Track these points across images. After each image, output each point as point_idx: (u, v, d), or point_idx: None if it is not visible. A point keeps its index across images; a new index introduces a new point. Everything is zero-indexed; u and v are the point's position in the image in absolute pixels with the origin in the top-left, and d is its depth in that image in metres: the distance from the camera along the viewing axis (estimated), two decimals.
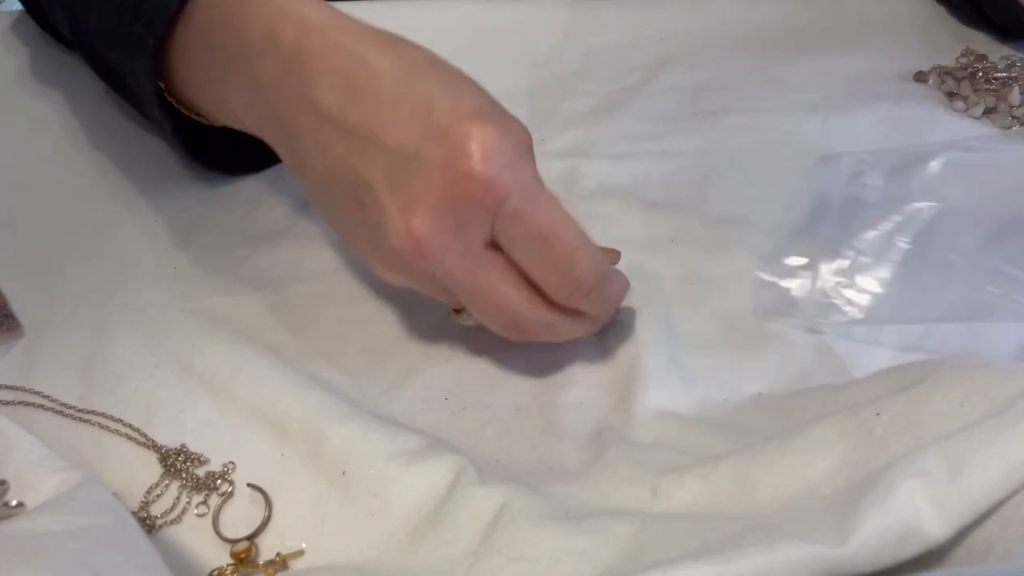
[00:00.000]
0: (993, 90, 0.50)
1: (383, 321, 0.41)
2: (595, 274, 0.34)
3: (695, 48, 0.56)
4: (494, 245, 0.34)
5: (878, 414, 0.31)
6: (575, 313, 0.36)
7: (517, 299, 0.34)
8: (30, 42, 0.56)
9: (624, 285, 0.38)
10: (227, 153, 0.47)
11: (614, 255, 0.39)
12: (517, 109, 0.35)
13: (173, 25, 0.39)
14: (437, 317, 0.41)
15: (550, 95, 0.53)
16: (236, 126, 0.41)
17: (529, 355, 0.40)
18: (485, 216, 0.32)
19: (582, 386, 0.39)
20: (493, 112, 0.33)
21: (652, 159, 0.49)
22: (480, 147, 0.31)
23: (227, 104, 0.40)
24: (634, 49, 0.55)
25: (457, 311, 0.39)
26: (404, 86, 0.33)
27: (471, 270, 0.33)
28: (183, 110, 0.43)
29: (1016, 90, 0.49)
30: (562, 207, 0.33)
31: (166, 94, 0.42)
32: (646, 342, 0.40)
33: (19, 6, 0.57)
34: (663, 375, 0.38)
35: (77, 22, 0.46)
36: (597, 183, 0.47)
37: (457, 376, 0.39)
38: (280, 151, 0.38)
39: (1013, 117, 0.49)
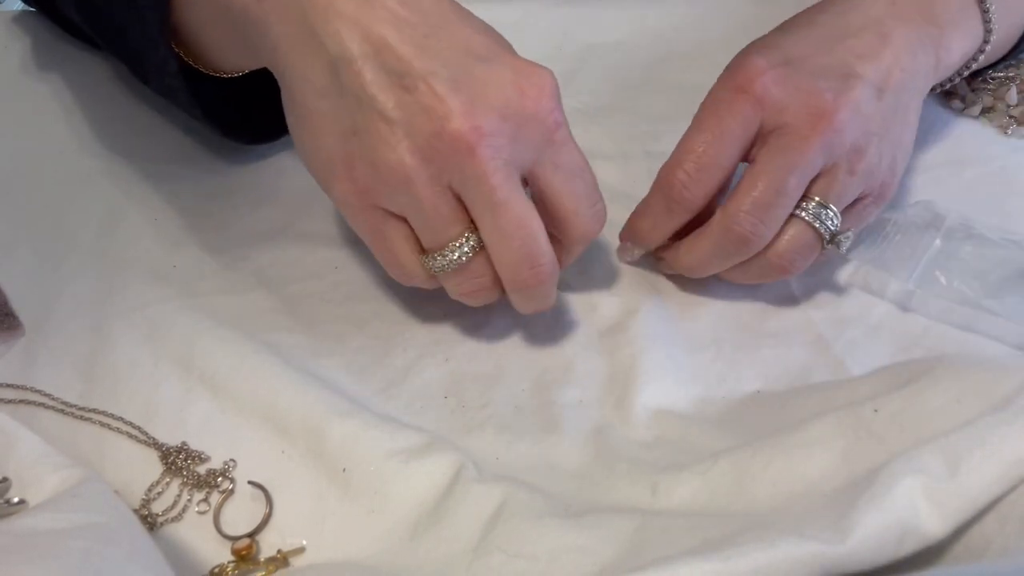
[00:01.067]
0: (990, 90, 0.50)
1: (383, 320, 0.42)
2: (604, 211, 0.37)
3: (695, 47, 0.56)
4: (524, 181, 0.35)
5: (876, 411, 0.32)
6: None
7: (540, 228, 0.35)
8: (29, 41, 0.56)
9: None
10: (239, 115, 0.46)
11: None
12: None
13: None
14: (437, 316, 0.42)
15: None
16: (241, 62, 0.41)
17: (529, 353, 0.40)
18: (540, 139, 0.34)
19: (581, 384, 0.39)
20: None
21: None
22: (548, 80, 0.34)
23: (232, 35, 0.38)
24: (634, 48, 0.55)
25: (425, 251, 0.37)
26: (461, 11, 0.35)
27: (508, 182, 0.33)
28: (191, 63, 0.42)
29: (1013, 90, 0.49)
30: None
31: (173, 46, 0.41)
32: (645, 340, 0.40)
33: (19, 6, 0.57)
34: (662, 373, 0.39)
35: None
36: (597, 182, 0.48)
37: (457, 374, 0.39)
38: (279, 60, 0.36)
39: (1010, 117, 0.49)
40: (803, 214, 0.38)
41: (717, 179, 0.39)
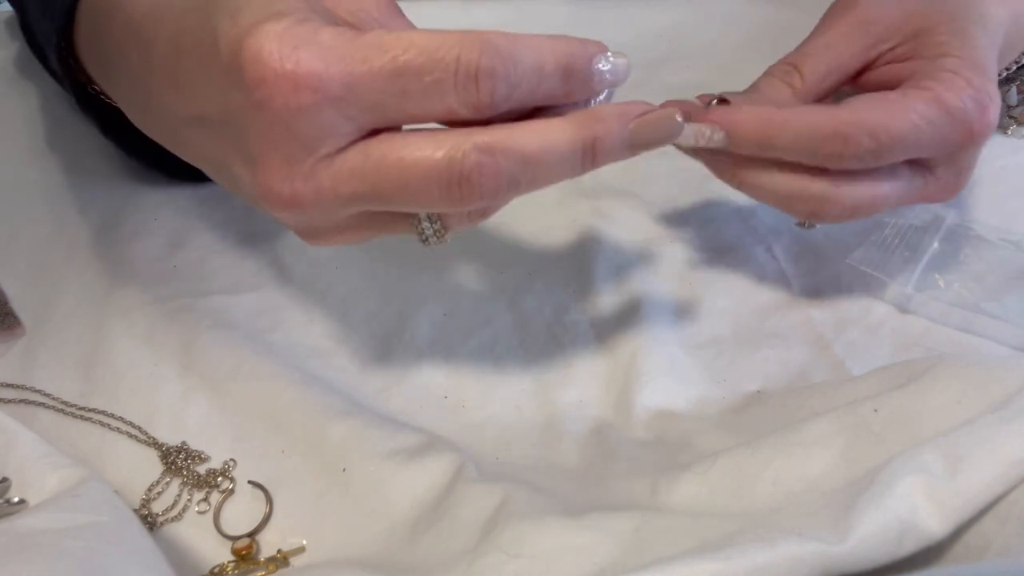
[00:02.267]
0: None
1: (383, 319, 0.42)
2: (475, 48, 0.27)
3: (694, 46, 0.56)
4: (372, 129, 0.28)
5: (876, 411, 0.32)
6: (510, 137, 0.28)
7: (432, 146, 0.28)
8: (25, 40, 0.56)
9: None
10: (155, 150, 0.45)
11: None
12: None
13: (73, 14, 0.38)
14: (437, 316, 0.42)
15: None
16: (145, 132, 0.37)
17: (529, 354, 0.40)
18: (329, 113, 0.27)
19: (581, 384, 0.39)
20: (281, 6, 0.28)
21: (652, 158, 0.49)
22: (258, 51, 0.26)
23: (129, 110, 0.37)
24: (633, 47, 0.55)
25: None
26: (197, 42, 0.29)
27: (370, 167, 0.28)
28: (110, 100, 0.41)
29: (1014, 90, 0.49)
30: (398, 24, 0.31)
31: (90, 88, 0.41)
32: (645, 340, 0.40)
33: None
34: (662, 373, 0.39)
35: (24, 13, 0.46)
36: (597, 182, 0.48)
37: (457, 374, 0.39)
38: (178, 154, 0.35)
39: (1010, 117, 0.49)
40: None
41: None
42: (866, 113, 0.34)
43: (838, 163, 0.35)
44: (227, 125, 0.29)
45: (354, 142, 0.28)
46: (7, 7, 0.60)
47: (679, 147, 0.38)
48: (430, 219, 0.31)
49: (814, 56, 0.39)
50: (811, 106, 0.38)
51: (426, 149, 0.28)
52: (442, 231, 0.32)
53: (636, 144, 0.30)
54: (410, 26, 0.32)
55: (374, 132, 0.28)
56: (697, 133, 0.36)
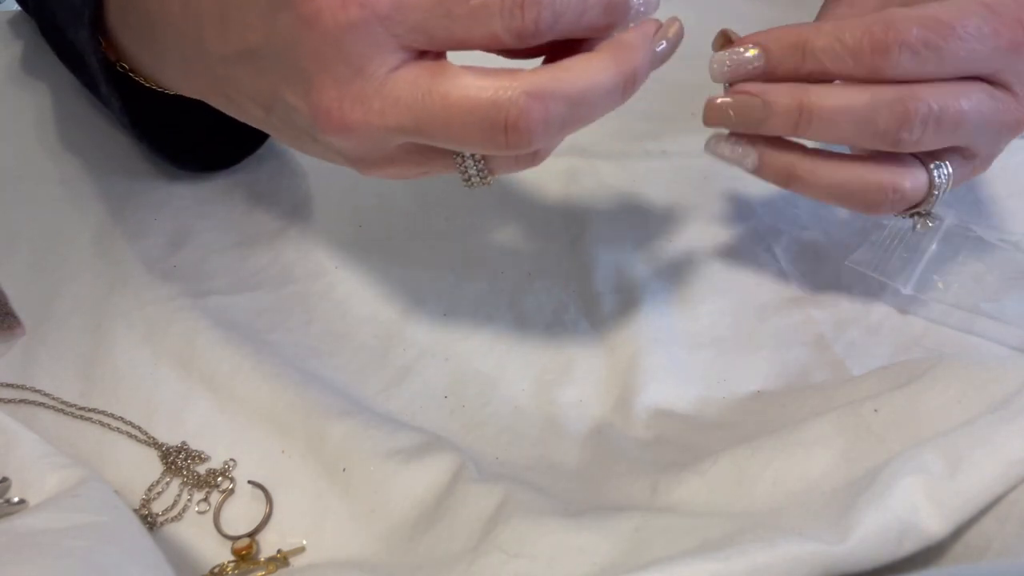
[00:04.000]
0: None
1: (382, 319, 0.42)
2: None
3: (694, 46, 0.56)
4: (420, 51, 0.29)
5: (876, 411, 0.32)
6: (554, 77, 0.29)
7: (477, 87, 0.28)
8: (28, 39, 0.56)
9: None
10: (189, 142, 0.45)
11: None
12: None
13: None
14: (437, 316, 0.42)
15: None
16: (183, 92, 0.38)
17: (529, 354, 0.40)
18: (377, 30, 0.27)
19: (581, 384, 0.39)
20: None
21: (651, 158, 0.49)
22: None
23: (166, 71, 0.38)
24: None
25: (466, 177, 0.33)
26: None
27: (417, 99, 0.28)
28: (143, 81, 0.42)
29: None
30: None
31: (118, 65, 0.41)
32: (645, 340, 0.40)
33: (17, 6, 0.57)
34: (662, 373, 0.39)
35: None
36: (597, 182, 0.48)
37: (456, 374, 0.39)
38: (220, 106, 0.35)
39: None
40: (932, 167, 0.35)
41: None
42: (909, 7, 0.32)
43: (890, 65, 0.32)
44: (276, 53, 0.29)
45: (401, 66, 0.28)
46: (7, 6, 0.60)
47: (715, 79, 0.36)
48: (475, 160, 0.31)
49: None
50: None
51: (471, 89, 0.28)
52: (486, 173, 0.32)
53: (661, 61, 0.32)
54: None
55: (421, 55, 0.28)
56: (729, 56, 0.35)
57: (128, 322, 0.41)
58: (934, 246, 0.42)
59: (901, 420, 0.31)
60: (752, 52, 0.35)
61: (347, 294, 0.43)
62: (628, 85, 0.30)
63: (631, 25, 0.31)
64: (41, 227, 0.45)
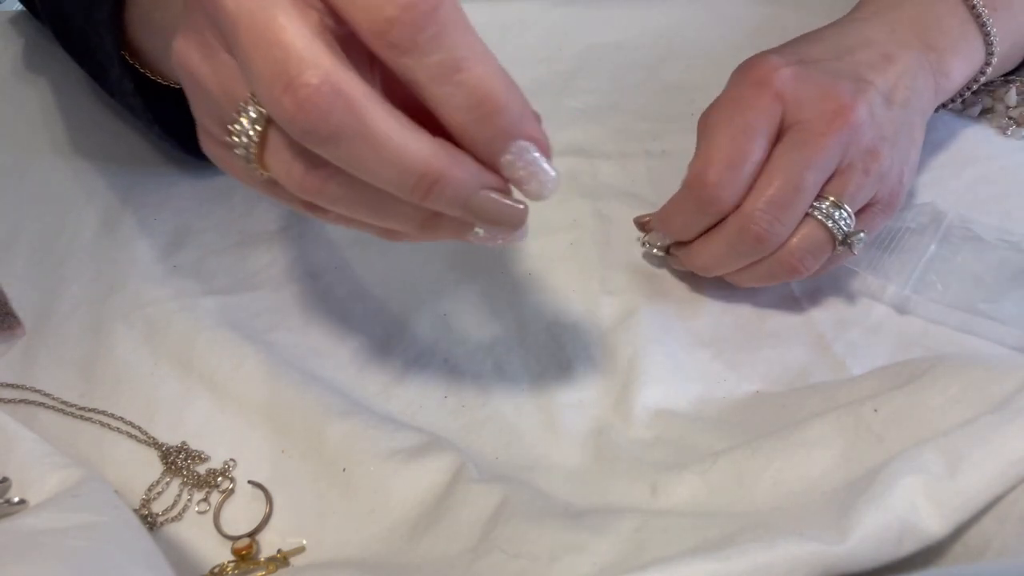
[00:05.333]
0: (990, 91, 0.50)
1: (382, 319, 0.42)
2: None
3: (694, 46, 0.56)
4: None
5: (876, 411, 0.32)
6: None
7: (298, 34, 0.24)
8: (28, 41, 0.56)
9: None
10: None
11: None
12: None
13: None
14: (437, 316, 0.42)
15: (549, 93, 0.53)
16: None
17: (529, 353, 0.40)
18: None
19: (581, 384, 0.39)
20: None
21: (651, 158, 0.49)
22: None
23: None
24: (634, 47, 0.55)
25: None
26: None
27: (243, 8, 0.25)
28: (148, 74, 0.42)
29: (1013, 91, 0.49)
30: None
31: (128, 57, 0.41)
32: (645, 340, 0.40)
33: (18, 6, 0.57)
34: (662, 373, 0.39)
35: None
36: (596, 182, 0.48)
37: (456, 374, 0.39)
38: None
39: (1009, 118, 0.49)
40: (816, 213, 0.37)
41: (749, 176, 0.37)
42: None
43: (714, 207, 0.38)
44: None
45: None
46: (8, 6, 0.60)
47: (644, 256, 0.44)
48: (252, 122, 0.27)
49: None
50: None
51: (297, 37, 0.24)
52: (253, 146, 0.27)
53: (472, 210, 0.27)
54: None
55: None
56: (645, 246, 0.43)
57: (128, 322, 0.41)
58: (933, 246, 0.42)
59: (901, 420, 0.31)
60: (658, 246, 0.42)
61: (347, 294, 0.43)
62: (422, 187, 0.26)
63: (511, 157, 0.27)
64: (41, 227, 0.45)
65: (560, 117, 0.51)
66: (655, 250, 0.42)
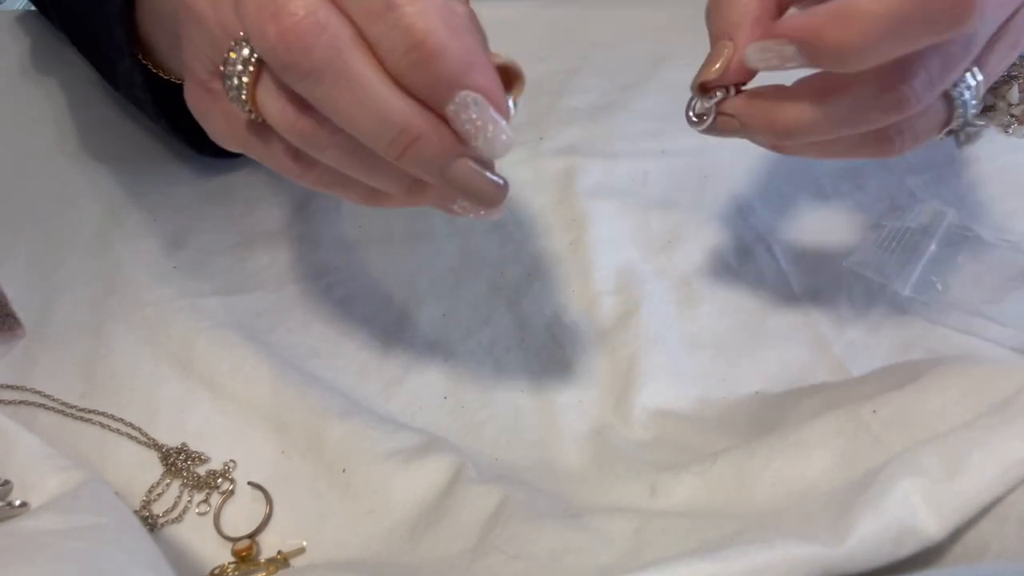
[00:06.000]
0: (992, 88, 0.50)
1: (382, 320, 0.42)
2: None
3: (694, 46, 0.55)
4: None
5: (875, 412, 0.32)
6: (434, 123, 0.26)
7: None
8: (31, 41, 0.56)
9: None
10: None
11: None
12: None
13: None
14: (437, 316, 0.42)
15: (549, 92, 0.53)
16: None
17: (528, 354, 0.40)
18: None
19: (581, 384, 0.39)
20: None
21: (651, 158, 0.49)
22: None
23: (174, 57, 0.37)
24: (633, 46, 0.55)
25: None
26: None
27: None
28: (160, 73, 0.42)
29: (1015, 88, 0.49)
30: None
31: (139, 56, 0.41)
32: (644, 341, 0.40)
33: (18, 6, 0.57)
34: (661, 374, 0.39)
35: None
36: (595, 182, 0.48)
37: (456, 375, 0.39)
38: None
39: (1011, 115, 0.49)
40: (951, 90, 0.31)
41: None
42: None
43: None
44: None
45: None
46: (8, 5, 0.60)
47: (750, 65, 0.34)
48: (247, 57, 0.27)
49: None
50: None
51: None
52: (246, 86, 0.27)
53: (448, 179, 0.27)
54: None
55: None
56: (772, 47, 0.32)
57: (128, 323, 0.41)
58: (933, 247, 0.42)
59: (900, 421, 0.31)
60: (791, 49, 0.30)
61: (347, 295, 0.43)
62: (399, 143, 0.26)
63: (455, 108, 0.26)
64: (41, 228, 0.45)
65: (559, 116, 0.51)
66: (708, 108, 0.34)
